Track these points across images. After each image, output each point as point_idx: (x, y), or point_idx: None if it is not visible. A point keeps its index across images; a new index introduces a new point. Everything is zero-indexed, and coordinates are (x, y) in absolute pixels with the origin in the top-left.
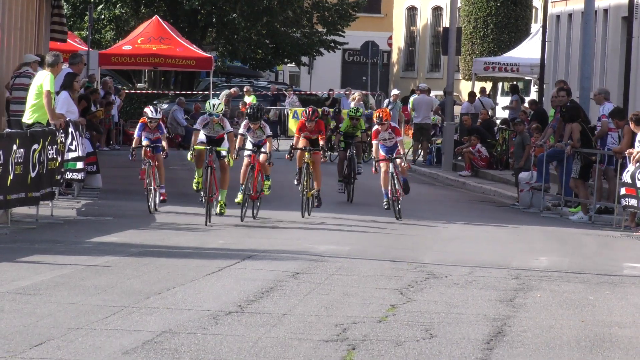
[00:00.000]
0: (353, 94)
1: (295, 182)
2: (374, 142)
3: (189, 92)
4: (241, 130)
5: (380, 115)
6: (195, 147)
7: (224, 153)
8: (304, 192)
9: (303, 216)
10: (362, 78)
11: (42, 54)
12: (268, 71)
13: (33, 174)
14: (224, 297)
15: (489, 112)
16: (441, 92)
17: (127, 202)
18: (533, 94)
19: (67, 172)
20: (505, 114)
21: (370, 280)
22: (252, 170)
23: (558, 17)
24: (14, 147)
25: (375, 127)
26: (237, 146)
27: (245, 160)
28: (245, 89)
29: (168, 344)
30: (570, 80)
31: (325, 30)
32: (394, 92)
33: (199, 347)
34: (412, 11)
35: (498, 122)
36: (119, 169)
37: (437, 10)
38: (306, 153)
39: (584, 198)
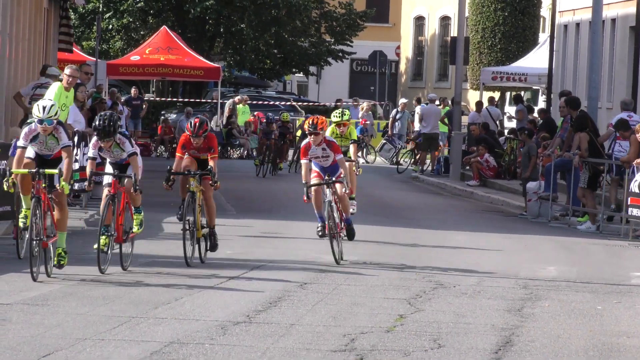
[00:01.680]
0: (361, 103)
1: (177, 217)
2: (303, 161)
3: (197, 100)
4: (90, 153)
5: (315, 122)
6: (13, 170)
7: (58, 185)
8: (193, 231)
9: (189, 264)
10: (370, 88)
11: (49, 64)
12: (276, 81)
13: None
14: (232, 308)
15: (497, 123)
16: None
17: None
18: (541, 104)
19: (75, 183)
20: (513, 124)
21: (378, 290)
22: (114, 202)
23: (566, 26)
24: None
25: (306, 140)
26: (87, 171)
27: (105, 191)
28: (237, 98)
29: (176, 355)
30: (578, 90)
31: (333, 40)
32: (402, 101)
33: (207, 357)
34: (420, 21)
35: (506, 132)
36: None
37: (445, 20)
38: (191, 179)
39: (592, 208)
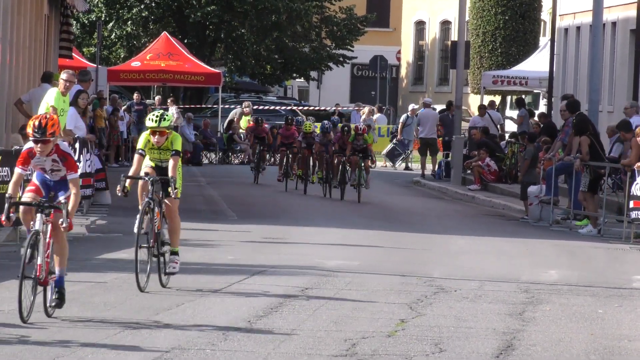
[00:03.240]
0: (362, 108)
1: None
2: (17, 169)
3: (198, 105)
4: None
5: (43, 125)
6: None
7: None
8: None
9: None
10: (371, 93)
11: (50, 71)
12: (277, 86)
13: None
14: (233, 313)
15: (497, 127)
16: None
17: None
18: (542, 107)
19: None
20: (514, 127)
21: (379, 294)
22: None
23: (566, 30)
24: None
25: (28, 145)
26: None
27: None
28: (246, 110)
29: None
30: (579, 93)
31: (333, 44)
32: (412, 106)
33: None
34: (420, 25)
35: (507, 135)
36: None
37: (445, 24)
38: None
39: (593, 211)
